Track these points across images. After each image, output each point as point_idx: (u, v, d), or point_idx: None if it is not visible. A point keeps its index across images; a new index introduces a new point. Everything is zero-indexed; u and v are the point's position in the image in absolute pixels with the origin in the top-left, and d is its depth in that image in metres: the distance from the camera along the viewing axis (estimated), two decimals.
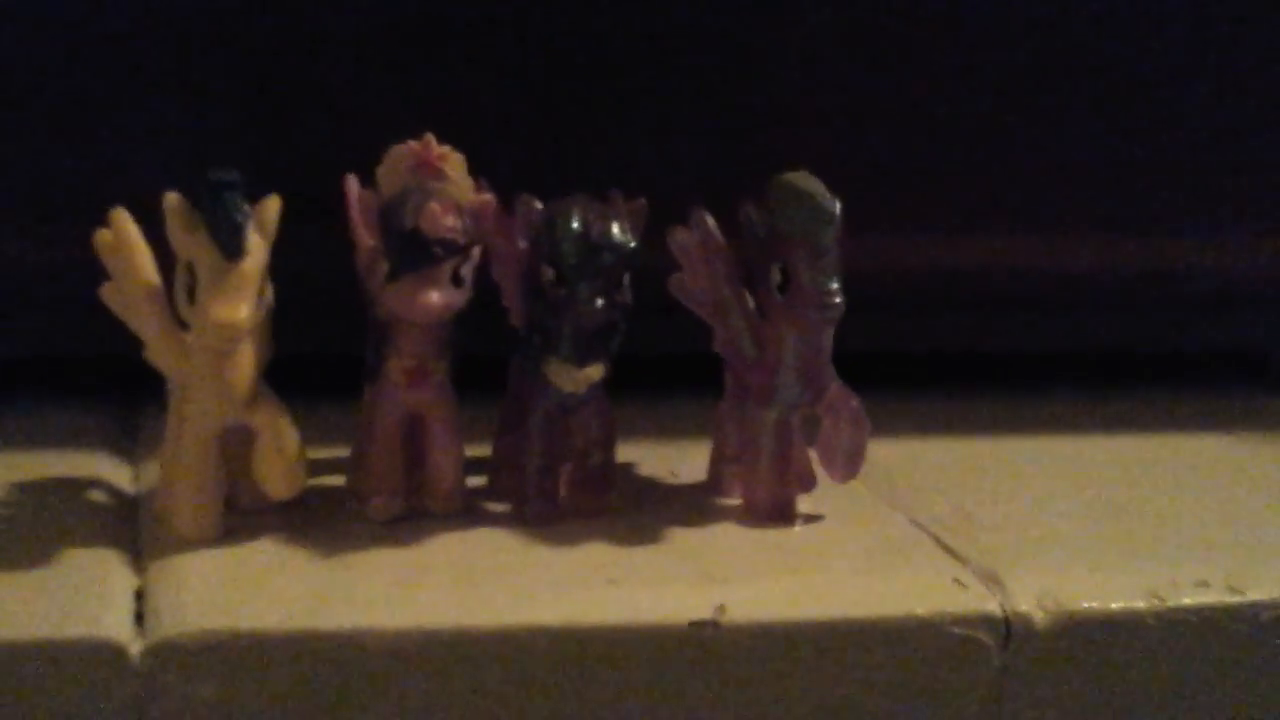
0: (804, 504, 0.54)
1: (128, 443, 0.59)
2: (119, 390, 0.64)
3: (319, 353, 0.58)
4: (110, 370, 0.63)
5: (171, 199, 0.47)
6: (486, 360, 0.53)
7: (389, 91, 0.60)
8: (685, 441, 0.60)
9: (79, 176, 0.58)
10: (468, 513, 0.52)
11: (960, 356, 0.72)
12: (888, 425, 0.54)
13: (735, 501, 0.55)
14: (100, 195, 0.49)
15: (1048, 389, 0.72)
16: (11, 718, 0.42)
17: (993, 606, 0.49)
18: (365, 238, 0.51)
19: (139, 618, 0.44)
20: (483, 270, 0.51)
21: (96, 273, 0.48)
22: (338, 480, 0.54)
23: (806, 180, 0.51)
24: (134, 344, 0.49)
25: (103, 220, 0.48)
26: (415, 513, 0.52)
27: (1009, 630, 0.48)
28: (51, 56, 0.58)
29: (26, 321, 0.60)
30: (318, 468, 0.52)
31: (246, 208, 0.46)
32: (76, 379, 0.64)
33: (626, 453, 0.54)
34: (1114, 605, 0.49)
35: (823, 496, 0.55)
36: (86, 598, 0.45)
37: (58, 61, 0.58)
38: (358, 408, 0.53)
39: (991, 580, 0.50)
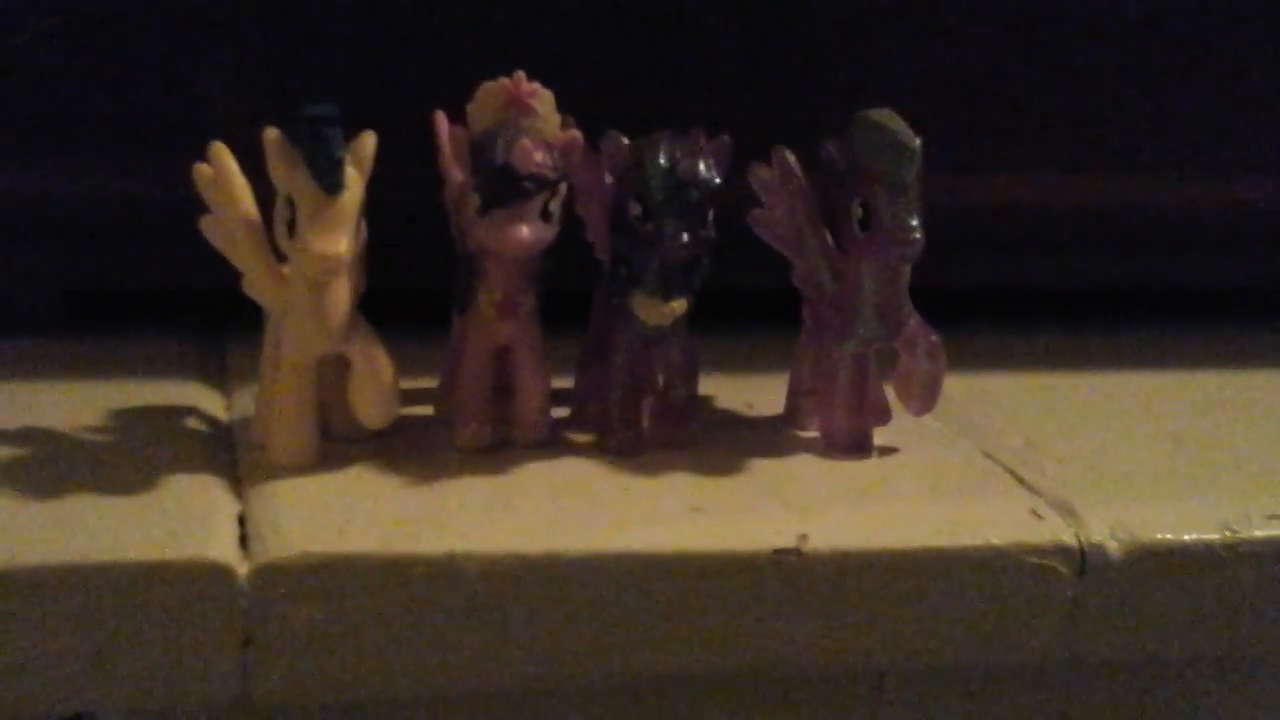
0: (879, 436, 0.55)
1: (216, 371, 0.60)
2: (202, 320, 0.65)
3: (405, 286, 0.59)
4: (193, 301, 0.65)
5: (271, 134, 0.48)
6: (570, 294, 0.54)
7: (476, 28, 0.61)
8: (759, 375, 0.61)
9: (173, 110, 0.59)
10: (553, 443, 0.54)
11: (1031, 291, 0.73)
12: (959, 359, 0.55)
13: (812, 434, 0.56)
14: (195, 129, 0.51)
15: (1119, 324, 0.73)
16: (121, 638, 0.44)
17: (1068, 537, 0.50)
18: (455, 173, 0.52)
19: (243, 541, 0.46)
20: (567, 205, 0.52)
21: (180, 204, 0.50)
22: (426, 410, 0.55)
23: (889, 117, 0.51)
24: (219, 275, 0.50)
25: (198, 155, 0.49)
26: (502, 442, 0.53)
27: (1084, 560, 0.49)
28: None
29: (115, 253, 0.61)
30: (407, 397, 0.53)
31: (344, 143, 0.47)
32: (159, 309, 0.66)
33: (703, 385, 0.55)
34: (1187, 537, 0.50)
35: (897, 429, 0.56)
36: (192, 521, 0.46)
37: None
38: (443, 340, 0.55)
39: (1066, 511, 0.51)
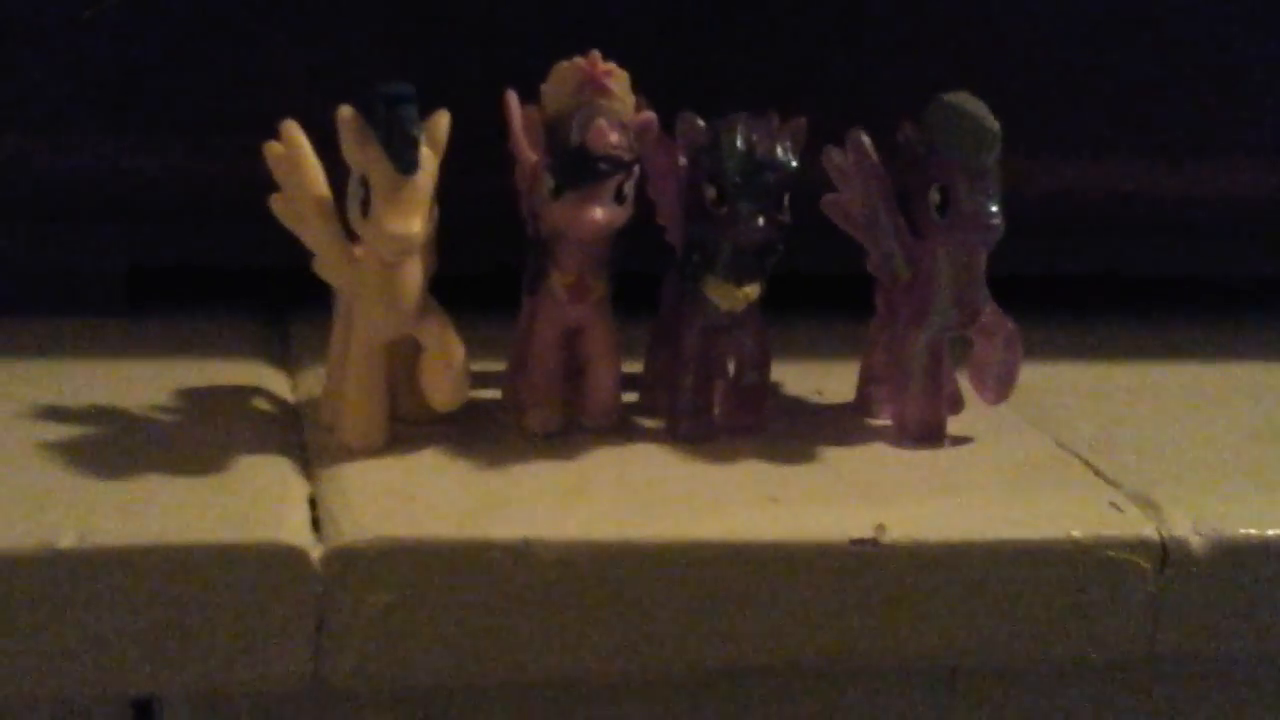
0: (952, 425, 0.55)
1: (280, 351, 0.59)
2: (264, 299, 0.65)
3: (473, 266, 0.58)
4: (255, 279, 0.64)
5: (346, 112, 0.47)
6: (640, 276, 0.54)
7: (550, 6, 0.60)
8: (828, 361, 0.60)
9: (243, 86, 0.59)
10: (622, 427, 0.53)
11: (1107, 280, 0.72)
12: (1032, 348, 0.54)
13: (883, 422, 0.55)
14: (264, 106, 0.50)
15: (1196, 314, 0.72)
16: (192, 621, 0.43)
17: (1149, 531, 0.49)
18: (527, 153, 0.52)
19: (315, 523, 0.45)
20: (639, 187, 0.51)
21: (244, 182, 0.49)
22: (491, 393, 0.55)
23: (969, 101, 0.50)
24: (282, 253, 0.50)
25: (266, 132, 0.48)
26: (571, 426, 0.52)
27: (1165, 555, 0.49)
28: None
29: (179, 231, 0.61)
30: (473, 380, 0.53)
31: (419, 122, 0.47)
32: (220, 287, 0.65)
33: (773, 371, 0.54)
34: (1270, 531, 0.49)
35: (970, 418, 0.55)
36: (264, 503, 0.46)
37: None
38: (506, 322, 0.54)
39: (1146, 504, 0.50)
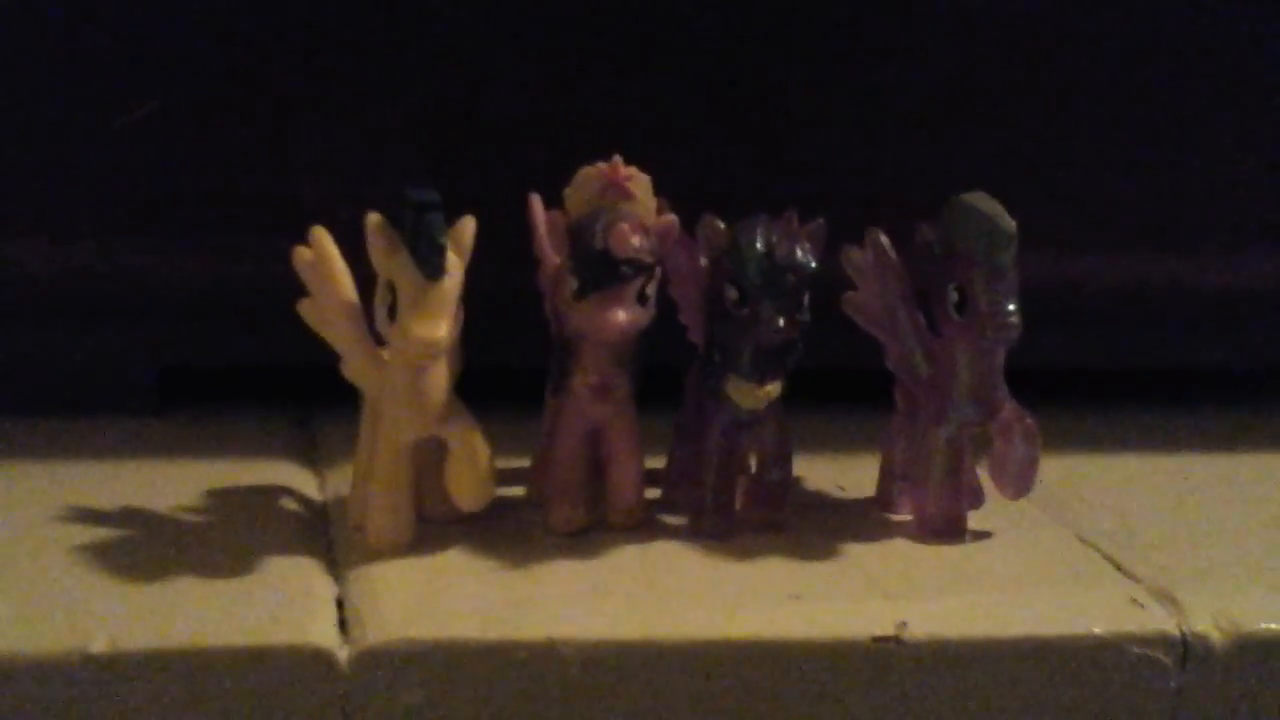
0: (972, 520, 0.55)
1: (307, 450, 0.60)
2: (291, 398, 0.65)
3: (495, 364, 0.59)
4: (282, 378, 0.65)
5: (374, 219, 0.48)
6: (662, 369, 0.54)
7: (572, 113, 0.61)
8: (848, 455, 0.61)
9: (269, 191, 0.60)
10: (646, 524, 0.53)
11: (1122, 372, 0.72)
12: (1049, 441, 0.54)
13: (904, 517, 0.56)
14: (290, 210, 0.51)
15: (1214, 405, 0.72)
16: None
17: (1170, 626, 0.49)
18: (551, 256, 0.53)
19: (342, 625, 0.46)
20: (661, 287, 0.52)
21: (271, 282, 0.50)
22: (516, 489, 0.55)
23: (985, 201, 0.51)
24: (309, 353, 0.50)
25: (290, 235, 0.49)
26: (595, 524, 0.53)
27: (1186, 650, 0.49)
28: (248, 68, 0.59)
29: (210, 331, 0.62)
30: (498, 478, 0.53)
31: (446, 229, 0.47)
32: (246, 387, 0.66)
33: (793, 466, 0.55)
34: None
35: (990, 512, 0.56)
36: (292, 605, 0.46)
37: (253, 74, 0.59)
38: (531, 417, 0.55)
39: (1166, 599, 0.50)
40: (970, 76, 0.64)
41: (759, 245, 0.50)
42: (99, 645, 0.43)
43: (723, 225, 0.51)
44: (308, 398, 0.65)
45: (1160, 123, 0.66)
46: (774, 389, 0.52)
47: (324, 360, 0.51)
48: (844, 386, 0.64)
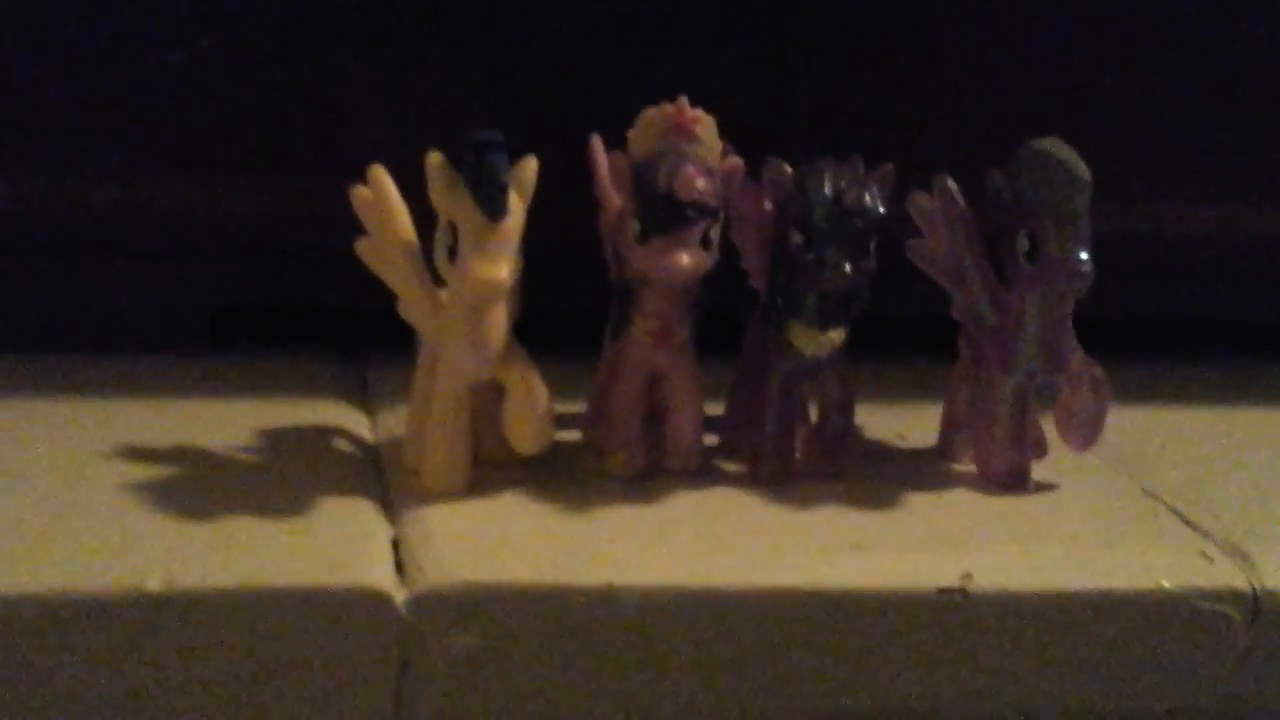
0: (1036, 471, 0.54)
1: (359, 392, 0.60)
2: (342, 339, 0.65)
3: (552, 308, 0.58)
4: (334, 319, 0.64)
5: (434, 158, 0.47)
6: (723, 317, 0.54)
7: (637, 53, 0.60)
8: (910, 405, 0.60)
9: (327, 131, 0.59)
10: (704, 471, 0.53)
11: (1190, 323, 0.71)
12: (1116, 392, 0.53)
13: (967, 467, 0.55)
14: (346, 150, 0.50)
15: None
16: (277, 663, 0.44)
17: (1240, 582, 0.48)
18: (613, 199, 0.52)
19: (399, 566, 0.45)
20: (723, 232, 0.51)
21: (325, 223, 0.49)
22: (573, 434, 0.54)
23: (1059, 147, 0.50)
24: (362, 294, 0.50)
25: (343, 175, 0.48)
26: (653, 469, 0.52)
27: (1257, 606, 0.48)
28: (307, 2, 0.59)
29: (264, 271, 0.61)
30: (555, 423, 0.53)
31: (509, 169, 0.47)
32: (296, 327, 0.65)
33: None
34: None
35: (1054, 464, 0.55)
36: (348, 546, 0.46)
37: (312, 8, 0.59)
38: (588, 362, 0.54)
39: (1237, 554, 0.49)
40: (1044, 17, 0.63)
41: (826, 190, 0.49)
42: (155, 583, 0.43)
43: (789, 169, 0.50)
44: (359, 339, 0.64)
45: (1238, 68, 0.65)
46: (837, 336, 0.51)
47: (376, 302, 0.50)
48: (906, 334, 0.62)
